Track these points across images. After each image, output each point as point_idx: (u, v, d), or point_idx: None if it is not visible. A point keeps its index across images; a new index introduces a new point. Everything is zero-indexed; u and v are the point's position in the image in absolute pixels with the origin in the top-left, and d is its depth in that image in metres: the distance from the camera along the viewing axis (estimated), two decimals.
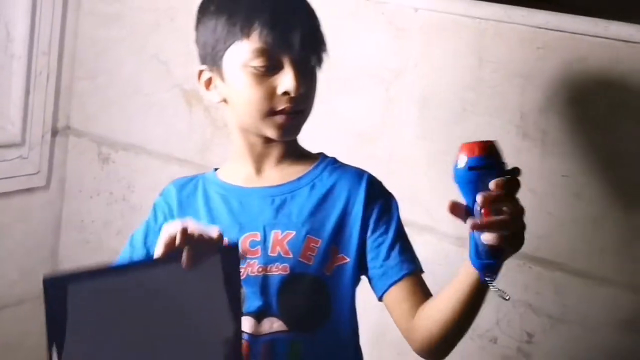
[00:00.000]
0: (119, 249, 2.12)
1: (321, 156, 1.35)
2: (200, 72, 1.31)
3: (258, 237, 1.25)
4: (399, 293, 1.24)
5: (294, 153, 1.32)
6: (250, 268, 1.24)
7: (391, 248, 1.26)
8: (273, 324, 1.23)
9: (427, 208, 1.71)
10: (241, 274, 1.22)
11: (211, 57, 1.27)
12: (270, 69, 1.22)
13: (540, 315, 1.64)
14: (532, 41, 1.60)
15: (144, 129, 2.10)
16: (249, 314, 1.23)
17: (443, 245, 1.73)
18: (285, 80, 1.21)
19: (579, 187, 1.59)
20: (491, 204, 0.98)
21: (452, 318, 1.14)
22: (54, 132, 2.16)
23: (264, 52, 1.21)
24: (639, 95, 1.53)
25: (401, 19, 1.73)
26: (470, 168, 0.98)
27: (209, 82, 1.30)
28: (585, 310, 1.60)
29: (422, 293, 1.24)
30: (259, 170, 1.31)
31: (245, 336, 1.21)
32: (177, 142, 2.05)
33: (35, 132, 2.10)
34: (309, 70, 1.26)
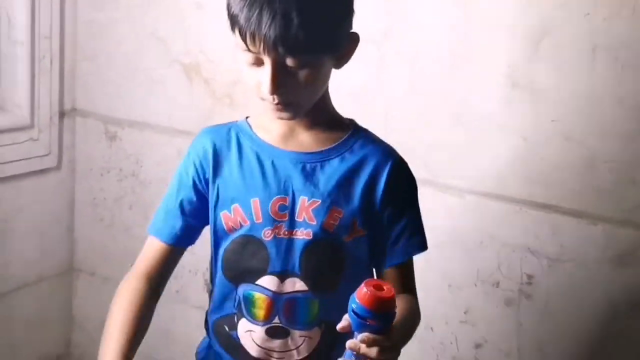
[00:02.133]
0: (131, 224, 2.20)
1: (353, 125, 1.35)
2: None
3: (287, 201, 1.29)
4: (391, 274, 1.32)
5: (326, 118, 1.32)
6: (277, 230, 1.28)
7: (401, 234, 1.31)
8: (295, 284, 1.29)
9: (425, 162, 1.76)
10: (269, 235, 1.28)
11: None
12: (258, 63, 1.21)
13: (539, 257, 1.70)
14: None
15: (147, 104, 2.14)
16: (273, 273, 1.29)
17: (443, 197, 1.78)
18: (264, 80, 1.21)
19: (569, 130, 1.64)
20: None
21: None
22: (62, 114, 2.20)
23: (247, 50, 1.20)
24: (618, 38, 1.57)
25: None
26: (354, 313, 1.08)
27: None
28: (581, 249, 1.66)
29: (406, 280, 1.33)
30: (291, 130, 1.31)
31: (269, 293, 1.29)
32: (180, 115, 2.09)
33: (43, 115, 2.14)
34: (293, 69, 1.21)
